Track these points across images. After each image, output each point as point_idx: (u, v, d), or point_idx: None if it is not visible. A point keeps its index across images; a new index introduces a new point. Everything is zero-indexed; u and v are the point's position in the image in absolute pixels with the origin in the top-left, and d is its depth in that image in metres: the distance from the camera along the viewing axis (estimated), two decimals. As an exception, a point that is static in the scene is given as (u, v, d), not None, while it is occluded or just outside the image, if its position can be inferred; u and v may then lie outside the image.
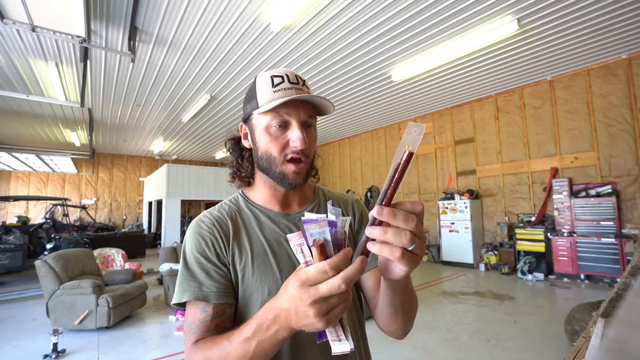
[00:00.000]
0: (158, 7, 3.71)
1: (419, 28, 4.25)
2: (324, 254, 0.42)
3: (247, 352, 0.49)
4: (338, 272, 0.41)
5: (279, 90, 0.63)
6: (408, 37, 4.48)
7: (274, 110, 0.63)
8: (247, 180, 0.76)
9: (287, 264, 0.67)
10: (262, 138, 0.66)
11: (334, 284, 0.40)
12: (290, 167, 0.65)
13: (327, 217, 0.43)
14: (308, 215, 0.43)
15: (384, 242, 0.42)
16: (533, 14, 3.98)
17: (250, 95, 0.68)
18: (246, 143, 0.72)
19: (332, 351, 0.44)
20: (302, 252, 0.43)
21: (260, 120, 0.66)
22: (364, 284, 0.75)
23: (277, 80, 0.64)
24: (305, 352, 0.64)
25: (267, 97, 0.64)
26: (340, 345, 0.44)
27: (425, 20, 4.09)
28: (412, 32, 4.34)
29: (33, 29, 3.50)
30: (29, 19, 3.36)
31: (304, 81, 0.67)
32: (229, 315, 0.63)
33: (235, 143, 0.76)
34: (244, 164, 0.74)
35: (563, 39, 4.61)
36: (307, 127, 0.66)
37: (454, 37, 4.50)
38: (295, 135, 0.63)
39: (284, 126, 0.64)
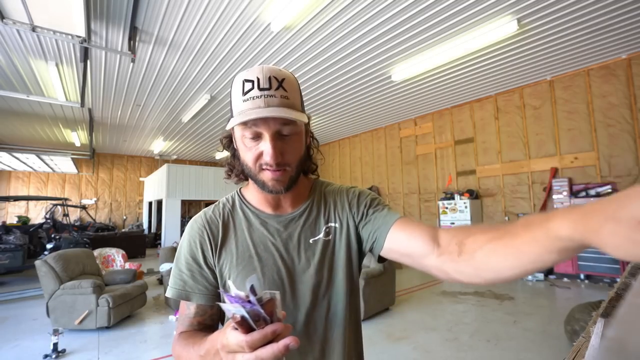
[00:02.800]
0: (158, 7, 3.71)
1: (419, 28, 4.25)
2: (245, 327, 0.41)
3: None
4: (254, 349, 0.40)
5: (247, 99, 0.59)
6: (408, 37, 4.48)
7: (242, 123, 0.59)
8: (241, 177, 0.74)
9: (272, 268, 0.67)
10: (240, 147, 0.65)
11: (248, 358, 0.40)
12: (267, 175, 0.63)
13: (244, 295, 0.41)
14: (232, 292, 0.42)
15: None
16: (533, 14, 3.99)
17: (231, 99, 0.65)
18: (234, 144, 0.71)
19: None
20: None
21: (237, 130, 0.64)
22: (396, 245, 0.65)
23: (247, 86, 0.60)
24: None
25: (237, 107, 0.61)
26: None
27: (425, 20, 4.09)
28: (412, 32, 4.34)
29: (33, 29, 3.50)
30: (29, 19, 3.36)
31: (280, 82, 0.60)
32: (209, 315, 0.68)
33: (230, 141, 0.73)
34: (235, 162, 0.72)
35: (563, 39, 4.61)
36: (284, 136, 0.62)
37: (454, 37, 4.51)
38: (265, 149, 0.60)
39: (257, 137, 0.61)
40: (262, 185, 0.65)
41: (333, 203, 0.75)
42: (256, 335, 0.40)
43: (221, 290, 0.44)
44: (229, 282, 0.44)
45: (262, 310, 0.41)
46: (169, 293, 0.67)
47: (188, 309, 0.67)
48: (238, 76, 0.63)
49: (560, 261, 0.43)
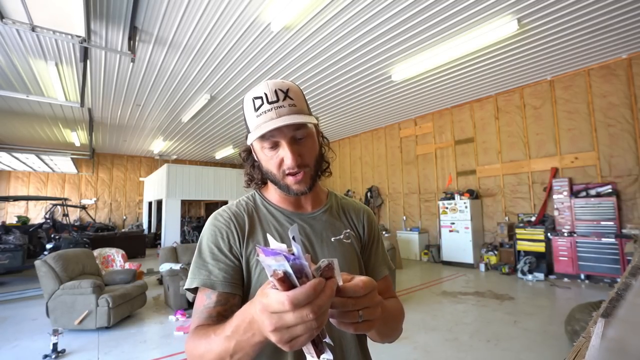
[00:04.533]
0: (158, 7, 3.71)
1: (419, 28, 4.25)
2: (286, 283, 0.39)
3: (227, 349, 0.52)
4: (297, 307, 0.38)
5: (260, 114, 0.65)
6: (408, 37, 4.48)
7: (261, 136, 0.66)
8: (260, 184, 0.81)
9: None
10: (262, 158, 0.71)
11: (300, 314, 0.38)
12: (291, 180, 0.69)
13: (286, 249, 0.39)
14: (272, 243, 0.40)
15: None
16: (533, 14, 3.98)
17: (244, 117, 0.72)
18: (255, 156, 0.77)
19: None
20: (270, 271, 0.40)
21: (256, 144, 0.70)
22: None
23: (257, 102, 0.66)
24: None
25: (253, 123, 0.67)
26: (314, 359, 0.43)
27: (425, 20, 4.09)
28: (412, 32, 4.34)
29: (33, 29, 3.50)
30: (29, 18, 3.36)
31: (286, 93, 0.66)
32: (231, 305, 0.67)
33: (248, 153, 0.80)
34: (255, 172, 0.79)
35: (563, 39, 4.60)
36: (299, 139, 0.68)
37: (454, 37, 4.50)
38: (285, 154, 0.66)
39: (275, 146, 0.67)
40: (286, 189, 0.71)
41: (351, 214, 0.84)
42: (298, 290, 0.38)
43: (259, 247, 0.40)
44: (269, 236, 0.43)
45: (306, 263, 0.38)
46: (192, 284, 0.66)
47: (209, 299, 0.65)
48: (247, 96, 0.69)
49: None
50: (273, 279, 0.39)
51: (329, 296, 0.39)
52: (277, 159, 0.67)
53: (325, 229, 0.76)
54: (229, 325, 0.52)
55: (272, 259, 0.38)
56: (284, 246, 0.39)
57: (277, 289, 0.39)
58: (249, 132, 0.70)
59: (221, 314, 0.64)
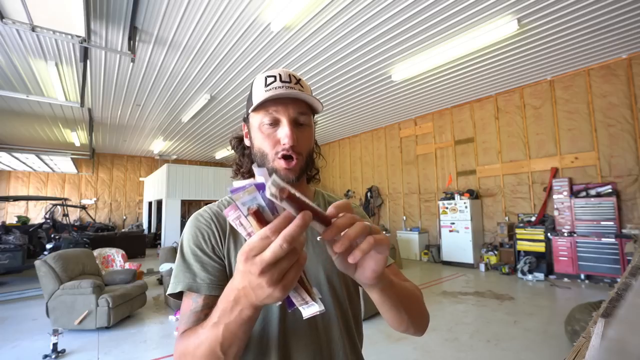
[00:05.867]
0: (158, 7, 3.71)
1: (419, 28, 4.25)
2: (262, 221, 0.39)
3: (217, 337, 0.50)
4: (277, 233, 0.39)
5: (269, 89, 0.65)
6: (408, 37, 4.48)
7: (264, 108, 0.66)
8: (247, 176, 0.78)
9: None
10: (257, 136, 0.69)
11: (275, 246, 0.38)
12: (281, 164, 0.66)
13: (254, 181, 0.39)
14: (235, 184, 0.39)
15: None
16: (533, 14, 3.98)
17: (249, 96, 0.71)
18: (247, 141, 0.76)
19: (303, 315, 0.43)
20: (242, 224, 0.40)
21: (255, 119, 0.69)
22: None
23: (270, 79, 0.67)
24: (297, 338, 0.64)
25: (259, 96, 0.65)
26: (309, 307, 0.43)
27: (425, 20, 4.09)
28: (412, 32, 4.34)
29: (33, 29, 3.50)
30: (29, 18, 3.36)
31: (298, 80, 0.68)
32: None
33: (239, 141, 0.80)
34: (244, 160, 0.78)
35: (563, 39, 4.60)
36: (300, 125, 0.68)
37: (454, 37, 4.50)
38: (283, 133, 0.65)
39: (275, 124, 0.66)
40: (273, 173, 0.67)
41: None
42: (276, 221, 0.38)
43: (233, 184, 0.40)
44: (235, 182, 0.42)
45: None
46: (177, 287, 0.63)
47: (195, 303, 0.62)
48: (259, 75, 0.70)
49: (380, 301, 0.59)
50: (250, 217, 0.39)
51: (307, 217, 0.40)
52: (273, 138, 0.66)
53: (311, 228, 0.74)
54: (214, 312, 0.51)
55: (244, 192, 0.38)
56: (251, 181, 0.39)
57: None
58: (249, 108, 0.69)
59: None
